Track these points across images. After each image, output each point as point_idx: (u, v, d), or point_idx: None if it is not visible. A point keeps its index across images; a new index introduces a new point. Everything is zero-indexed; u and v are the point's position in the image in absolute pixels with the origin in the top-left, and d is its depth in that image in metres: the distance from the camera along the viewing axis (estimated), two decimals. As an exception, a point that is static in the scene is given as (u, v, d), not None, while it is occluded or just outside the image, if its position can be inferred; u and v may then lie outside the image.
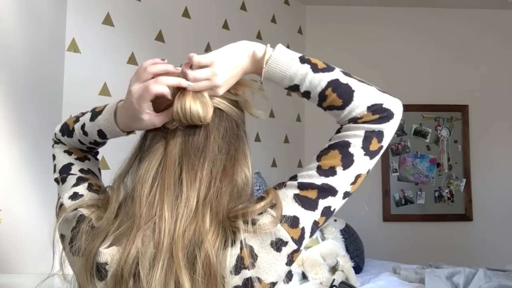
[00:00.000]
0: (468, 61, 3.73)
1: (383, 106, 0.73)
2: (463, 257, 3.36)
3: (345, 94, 0.74)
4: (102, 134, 0.86)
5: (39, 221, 1.77)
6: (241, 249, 0.69)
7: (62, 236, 0.81)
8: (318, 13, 3.76)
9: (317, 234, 2.70)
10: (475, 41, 3.74)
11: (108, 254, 0.72)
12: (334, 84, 0.74)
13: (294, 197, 0.72)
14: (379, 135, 0.73)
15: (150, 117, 0.77)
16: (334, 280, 2.38)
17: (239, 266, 0.69)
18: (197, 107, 0.75)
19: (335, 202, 0.74)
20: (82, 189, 0.85)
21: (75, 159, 0.91)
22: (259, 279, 0.69)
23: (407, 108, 3.43)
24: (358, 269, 2.79)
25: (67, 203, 0.83)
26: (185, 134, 0.77)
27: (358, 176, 0.74)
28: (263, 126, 3.23)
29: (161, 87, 0.75)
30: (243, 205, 0.73)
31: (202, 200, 0.73)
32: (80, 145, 0.91)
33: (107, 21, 2.29)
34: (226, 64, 0.76)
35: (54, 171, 0.92)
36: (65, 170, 0.89)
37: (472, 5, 3.71)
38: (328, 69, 0.76)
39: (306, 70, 0.75)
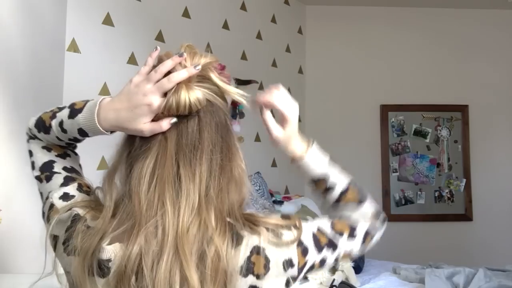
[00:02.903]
0: (468, 61, 3.73)
1: (382, 215, 0.95)
2: (463, 257, 3.35)
3: (361, 191, 0.94)
4: (83, 132, 0.82)
5: (39, 221, 1.77)
6: (254, 253, 0.72)
7: (55, 238, 0.80)
8: (318, 13, 3.76)
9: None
10: (475, 41, 3.74)
11: (111, 250, 0.72)
12: (353, 183, 0.94)
13: (312, 233, 0.80)
14: (373, 235, 0.94)
15: (150, 124, 0.76)
16: (334, 280, 2.37)
17: (249, 269, 0.71)
18: (195, 95, 0.75)
19: (329, 257, 0.82)
20: (72, 189, 0.83)
21: (56, 156, 0.88)
22: None
23: (407, 108, 3.41)
24: (358, 269, 2.79)
25: (59, 203, 0.82)
26: (178, 130, 0.76)
27: (347, 254, 0.86)
28: (263, 126, 3.22)
29: (180, 75, 0.75)
30: (265, 215, 0.77)
31: (204, 196, 0.73)
32: (58, 141, 0.87)
33: (107, 21, 2.29)
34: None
35: (33, 168, 0.88)
36: (47, 168, 0.87)
37: (472, 5, 3.71)
38: (344, 174, 0.94)
39: (334, 169, 0.93)
